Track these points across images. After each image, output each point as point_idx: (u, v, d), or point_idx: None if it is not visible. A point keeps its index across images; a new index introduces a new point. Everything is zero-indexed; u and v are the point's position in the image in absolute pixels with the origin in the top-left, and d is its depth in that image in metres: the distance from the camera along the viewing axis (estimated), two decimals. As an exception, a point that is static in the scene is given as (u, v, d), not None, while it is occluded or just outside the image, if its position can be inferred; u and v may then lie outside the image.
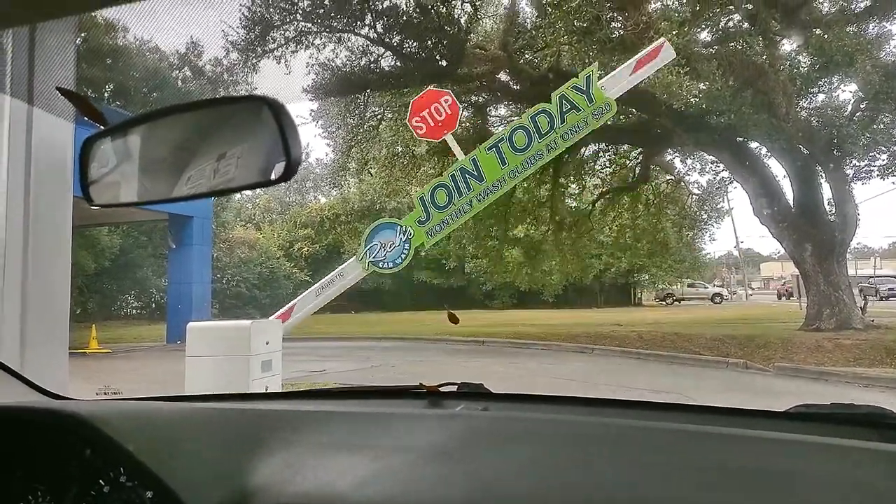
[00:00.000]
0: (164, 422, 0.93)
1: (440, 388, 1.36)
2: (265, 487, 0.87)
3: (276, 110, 0.60)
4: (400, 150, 14.78)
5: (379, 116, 14.23)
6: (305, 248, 28.25)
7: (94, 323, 16.50)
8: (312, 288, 8.39)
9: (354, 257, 8.67)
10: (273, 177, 0.62)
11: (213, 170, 0.65)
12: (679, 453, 0.91)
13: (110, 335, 16.74)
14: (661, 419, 1.13)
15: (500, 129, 16.09)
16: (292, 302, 8.15)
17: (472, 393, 1.36)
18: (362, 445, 0.97)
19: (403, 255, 8.33)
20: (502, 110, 15.94)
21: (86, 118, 0.75)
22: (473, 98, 14.65)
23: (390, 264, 8.38)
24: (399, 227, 8.35)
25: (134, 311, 28.58)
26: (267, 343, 6.05)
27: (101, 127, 0.72)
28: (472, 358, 11.88)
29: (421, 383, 1.37)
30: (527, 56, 13.29)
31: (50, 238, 3.56)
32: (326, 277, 8.38)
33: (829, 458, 0.87)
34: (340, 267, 8.58)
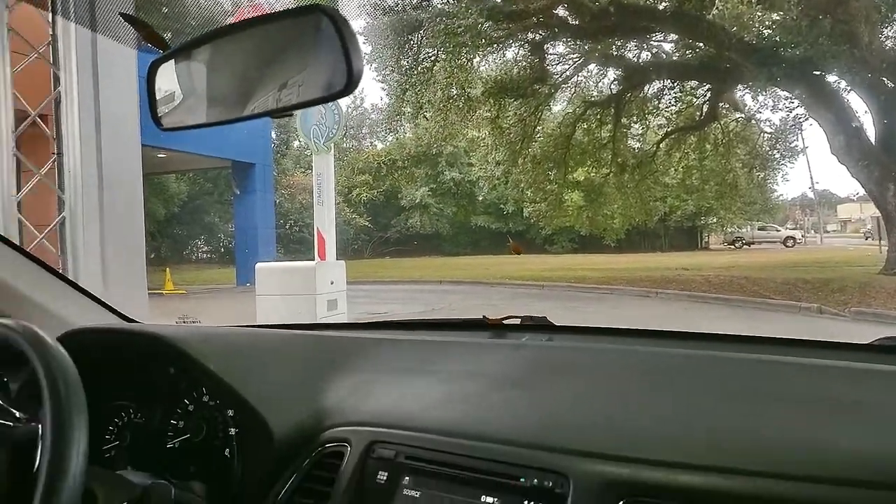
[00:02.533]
0: (244, 345, 0.97)
1: (503, 321, 1.36)
2: (339, 407, 0.89)
3: (334, 21, 0.58)
4: (455, 92, 14.51)
5: (433, 58, 13.94)
6: (364, 194, 28.56)
7: (168, 266, 17.36)
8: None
9: (315, 158, 8.93)
10: (336, 90, 0.60)
11: (278, 86, 0.65)
12: (754, 382, 0.88)
13: (184, 277, 17.61)
14: (729, 350, 1.09)
15: (559, 67, 15.55)
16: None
17: (536, 325, 1.35)
18: (430, 371, 0.98)
19: (336, 118, 8.62)
20: (560, 48, 15.32)
21: (149, 45, 0.76)
22: (530, 35, 14.12)
23: (334, 130, 8.68)
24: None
25: (204, 255, 29.87)
26: (332, 283, 6.23)
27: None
28: (532, 301, 11.87)
29: (484, 316, 1.37)
30: (586, -12, 12.65)
31: (123, 180, 3.72)
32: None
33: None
34: (317, 174, 8.72)
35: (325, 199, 8.05)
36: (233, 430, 0.93)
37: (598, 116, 15.32)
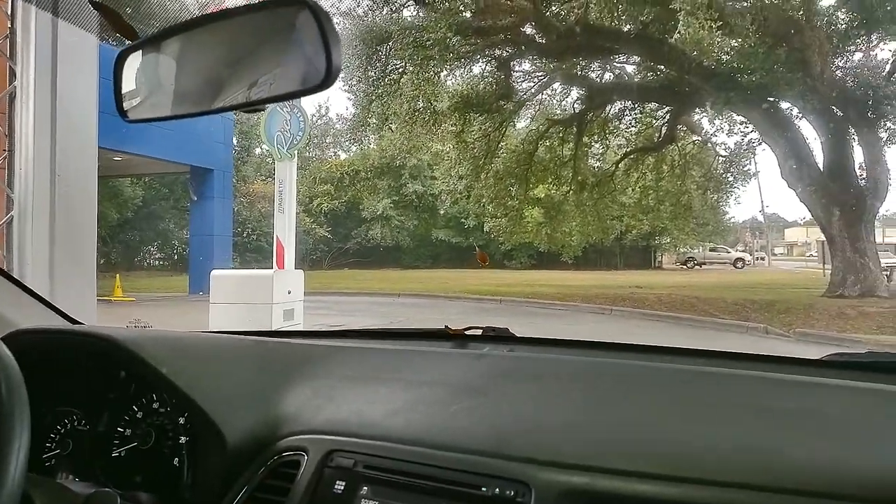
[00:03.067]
0: (199, 350, 0.94)
1: (465, 332, 1.36)
2: (297, 414, 0.87)
3: (315, 13, 0.57)
4: (421, 105, 14.56)
5: (401, 70, 13.97)
6: (325, 204, 28.33)
7: (119, 272, 16.81)
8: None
9: (278, 165, 9.03)
10: (313, 84, 0.59)
11: (251, 79, 0.63)
12: (709, 393, 0.89)
13: (134, 285, 17.07)
14: (686, 363, 1.11)
15: (525, 84, 15.78)
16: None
17: (498, 336, 1.35)
18: (390, 379, 0.97)
19: (301, 125, 8.78)
20: (526, 65, 15.57)
21: (117, 34, 0.73)
22: (497, 52, 14.31)
23: (298, 137, 8.81)
24: (281, 107, 8.64)
25: (157, 262, 29.08)
26: (289, 292, 6.12)
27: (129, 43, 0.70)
28: (490, 316, 11.92)
29: (446, 326, 1.37)
30: (553, 8, 12.90)
31: (76, 180, 3.59)
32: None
33: (865, 401, 0.84)
34: (278, 181, 8.82)
35: (285, 207, 7.94)
36: (183, 439, 0.90)
37: (561, 134, 15.59)
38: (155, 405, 0.94)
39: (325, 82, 0.58)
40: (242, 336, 1.06)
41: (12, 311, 1.10)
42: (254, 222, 26.81)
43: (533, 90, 15.87)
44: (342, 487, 0.73)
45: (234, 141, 21.35)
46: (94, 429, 0.96)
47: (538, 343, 1.36)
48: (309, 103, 8.99)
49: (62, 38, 3.43)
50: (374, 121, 14.96)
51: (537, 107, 16.76)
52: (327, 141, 33.33)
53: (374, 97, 14.11)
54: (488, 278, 20.03)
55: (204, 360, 0.91)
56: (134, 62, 0.70)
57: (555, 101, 17.22)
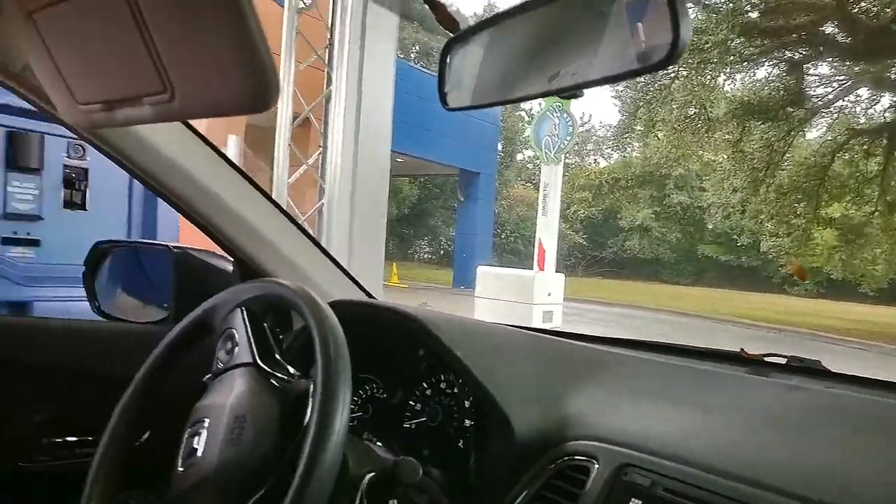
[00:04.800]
0: (492, 338, 0.95)
1: (764, 357, 1.18)
2: (585, 418, 0.83)
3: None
4: (693, 111, 13.60)
5: (672, 74, 13.22)
6: (581, 211, 28.19)
7: (394, 262, 18.87)
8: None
9: (544, 168, 8.93)
10: (653, 61, 0.53)
11: (577, 60, 0.60)
12: None
13: (405, 274, 19.01)
14: None
15: (819, 90, 13.72)
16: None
17: (806, 369, 1.15)
18: (683, 397, 0.88)
19: (569, 130, 8.57)
20: (824, 68, 13.52)
21: (441, 25, 0.76)
22: (788, 54, 12.67)
23: (566, 141, 8.68)
24: (549, 109, 8.39)
25: (425, 255, 31.99)
26: (549, 294, 6.20)
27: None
28: (767, 345, 10.57)
29: (742, 349, 1.21)
30: (862, 4, 10.97)
31: (373, 177, 4.08)
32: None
33: None
34: (543, 185, 8.74)
35: (549, 210, 8.07)
36: (468, 422, 0.91)
37: (865, 147, 13.22)
38: (442, 385, 0.98)
39: (669, 58, 0.51)
40: (532, 331, 1.05)
41: (328, 283, 1.25)
42: (511, 224, 27.88)
43: (830, 96, 13.72)
44: None
45: (499, 146, 22.42)
46: (390, 399, 1.04)
47: (859, 383, 1.13)
48: (573, 109, 9.02)
49: (368, 49, 3.95)
50: (640, 127, 14.41)
51: (835, 115, 14.44)
52: (587, 148, 33.17)
53: (641, 103, 13.60)
54: (762, 303, 17.91)
55: (496, 349, 0.92)
56: (458, 51, 0.72)
57: (859, 109, 14.66)
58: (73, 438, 1.00)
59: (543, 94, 0.65)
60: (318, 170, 3.87)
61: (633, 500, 0.68)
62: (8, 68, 0.82)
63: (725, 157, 14.73)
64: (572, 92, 0.64)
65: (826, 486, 0.66)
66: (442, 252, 30.12)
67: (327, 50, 3.80)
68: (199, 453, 0.67)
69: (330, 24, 3.80)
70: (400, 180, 24.91)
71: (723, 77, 13.39)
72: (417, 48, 29.92)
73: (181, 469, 0.68)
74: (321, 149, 3.85)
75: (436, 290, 16.50)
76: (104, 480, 0.75)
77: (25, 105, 0.87)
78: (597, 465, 0.73)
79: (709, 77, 12.64)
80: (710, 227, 25.57)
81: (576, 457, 0.76)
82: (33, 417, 0.97)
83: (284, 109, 3.68)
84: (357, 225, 3.83)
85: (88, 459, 0.76)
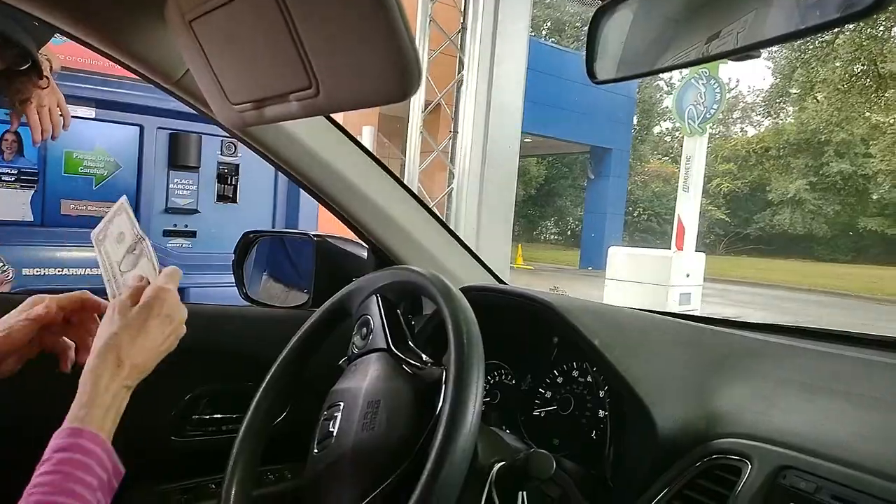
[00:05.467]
0: (631, 326, 0.90)
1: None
2: (736, 414, 0.77)
3: None
4: (860, 68, 12.12)
5: (837, 30, 11.82)
6: (725, 185, 26.25)
7: (520, 244, 18.77)
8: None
9: (686, 141, 8.38)
10: (857, 9, 0.44)
11: (751, 13, 0.52)
12: None
13: (531, 255, 18.87)
14: None
15: None
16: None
17: None
18: (852, 392, 0.78)
19: (716, 97, 8.00)
20: None
21: None
22: None
23: (713, 109, 8.14)
24: (694, 77, 7.77)
25: (552, 236, 31.52)
26: (687, 276, 5.84)
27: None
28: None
29: (920, 337, 1.05)
30: None
31: (502, 161, 4.08)
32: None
33: None
34: (685, 158, 8.14)
35: (691, 186, 7.55)
36: (602, 413, 0.88)
37: None
38: (574, 373, 0.95)
39: (877, 5, 0.43)
40: (673, 318, 0.99)
41: (459, 268, 1.25)
42: (645, 202, 26.62)
43: None
44: None
45: (634, 120, 21.39)
46: (518, 385, 1.03)
47: None
48: (721, 74, 8.34)
49: (500, 32, 3.91)
50: (796, 90, 13.11)
51: None
52: (734, 116, 30.74)
53: (798, 63, 12.34)
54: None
55: (635, 337, 0.87)
56: (606, 20, 0.68)
57: None
58: (220, 415, 1.10)
59: (701, 61, 0.59)
60: (448, 155, 3.93)
61: None
62: (170, 76, 0.90)
63: (897, 118, 13.05)
64: (746, 54, 0.56)
65: None
66: (569, 233, 29.50)
67: (459, 35, 3.83)
68: (334, 436, 0.70)
69: (463, 8, 3.82)
70: (527, 161, 24.66)
71: (897, 28, 11.82)
72: (549, 24, 29.25)
73: (316, 451, 0.72)
74: (452, 134, 3.90)
75: (562, 271, 16.22)
76: (247, 454, 0.81)
77: (187, 109, 0.95)
78: (750, 466, 0.67)
79: (881, 28, 11.19)
80: (876, 197, 22.74)
81: (725, 456, 0.70)
82: (186, 395, 1.07)
83: (417, 97, 3.77)
84: (485, 209, 3.85)
85: (233, 435, 0.82)
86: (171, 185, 2.81)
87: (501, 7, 3.81)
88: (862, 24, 10.85)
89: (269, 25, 0.52)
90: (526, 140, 15.98)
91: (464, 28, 3.79)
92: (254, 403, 0.83)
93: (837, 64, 11.58)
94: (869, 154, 19.51)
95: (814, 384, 0.81)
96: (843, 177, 24.19)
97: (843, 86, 11.88)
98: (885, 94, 12.42)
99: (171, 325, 0.72)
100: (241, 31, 0.57)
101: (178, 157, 2.78)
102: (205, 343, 1.11)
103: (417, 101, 3.83)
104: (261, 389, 0.83)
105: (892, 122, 13.69)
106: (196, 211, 2.88)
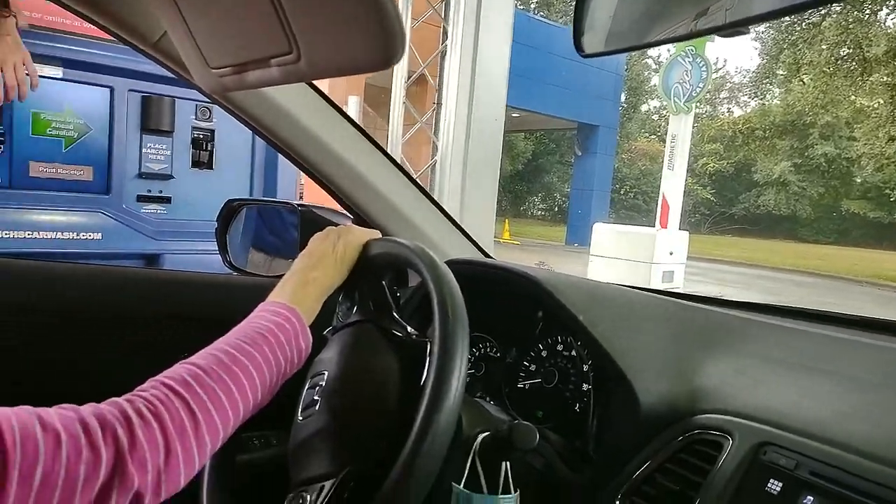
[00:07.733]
0: (614, 301, 0.90)
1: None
2: (717, 389, 0.77)
3: None
4: (846, 52, 12.14)
5: (824, 12, 11.81)
6: (711, 165, 26.40)
7: (507, 218, 18.79)
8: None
9: (672, 119, 8.38)
10: None
11: None
12: None
13: (517, 230, 18.90)
14: None
15: None
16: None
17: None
18: (833, 371, 0.78)
19: (702, 75, 8.02)
20: None
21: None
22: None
23: (699, 88, 8.12)
24: (680, 54, 7.78)
25: (539, 212, 31.59)
26: (671, 253, 5.89)
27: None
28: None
29: (903, 318, 1.07)
30: None
31: (486, 135, 4.04)
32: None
33: None
34: (671, 136, 8.14)
35: (676, 165, 7.57)
36: (586, 386, 0.89)
37: None
38: (559, 347, 0.95)
39: None
40: (656, 294, 0.99)
41: (444, 241, 1.24)
42: (632, 180, 26.72)
43: None
44: (778, 488, 0.61)
45: (622, 97, 21.35)
46: (503, 358, 1.03)
47: None
48: (707, 53, 8.33)
49: (485, 2, 3.85)
50: (783, 72, 13.13)
51: None
52: (720, 96, 30.79)
53: (785, 44, 12.33)
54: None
55: (620, 313, 0.87)
56: None
57: None
58: None
59: (690, 36, 0.58)
60: (433, 127, 3.88)
61: (772, 480, 0.62)
62: (147, 38, 0.87)
63: (882, 101, 13.13)
64: (735, 30, 0.55)
65: None
66: (556, 209, 29.57)
67: (443, 3, 3.76)
68: (318, 405, 0.69)
69: (449, -25, 3.75)
70: (514, 136, 24.57)
71: (884, 11, 11.83)
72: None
73: (301, 419, 0.71)
74: (434, 105, 3.85)
75: (547, 247, 16.29)
76: None
77: (159, 71, 0.92)
78: (731, 442, 0.68)
79: (867, 12, 11.20)
80: (859, 180, 23.02)
81: (709, 431, 0.71)
82: (175, 360, 1.06)
83: (400, 67, 3.71)
84: (469, 182, 3.82)
85: None
86: (144, 150, 2.75)
87: (486, -25, 3.75)
88: (848, 6, 10.85)
89: None
90: (513, 115, 15.88)
91: (447, -3, 3.72)
92: None
93: (824, 47, 11.59)
94: (853, 137, 19.67)
95: (796, 363, 0.81)
96: (827, 159, 24.46)
97: (828, 68, 11.91)
98: (870, 78, 12.46)
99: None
100: None
101: (151, 120, 2.72)
102: (192, 310, 1.09)
103: (400, 71, 3.77)
104: None
105: (876, 105, 13.79)
106: (170, 177, 2.82)
